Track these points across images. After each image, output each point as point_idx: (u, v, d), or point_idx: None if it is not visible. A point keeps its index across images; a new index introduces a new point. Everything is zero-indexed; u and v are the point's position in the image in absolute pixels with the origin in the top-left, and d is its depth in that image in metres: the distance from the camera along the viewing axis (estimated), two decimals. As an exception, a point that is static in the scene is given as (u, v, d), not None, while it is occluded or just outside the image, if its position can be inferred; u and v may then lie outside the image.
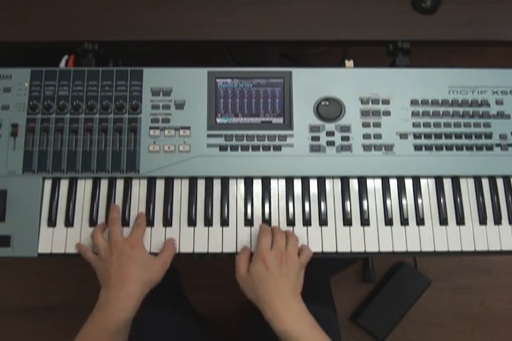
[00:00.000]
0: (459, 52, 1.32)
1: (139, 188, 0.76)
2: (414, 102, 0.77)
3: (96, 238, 0.70)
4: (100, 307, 0.66)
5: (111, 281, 0.67)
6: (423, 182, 0.77)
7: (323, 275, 1.02)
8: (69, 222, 0.74)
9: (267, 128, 0.77)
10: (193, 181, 0.76)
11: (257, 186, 0.76)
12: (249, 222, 0.74)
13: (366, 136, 0.76)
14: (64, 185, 0.75)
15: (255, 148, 0.76)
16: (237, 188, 0.76)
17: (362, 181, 0.76)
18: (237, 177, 0.76)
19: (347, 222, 0.74)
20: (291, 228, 0.74)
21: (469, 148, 0.76)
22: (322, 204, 0.75)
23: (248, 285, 0.68)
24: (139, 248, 0.69)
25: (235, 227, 0.74)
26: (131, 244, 0.69)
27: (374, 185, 0.76)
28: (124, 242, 0.69)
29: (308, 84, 0.78)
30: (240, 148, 0.76)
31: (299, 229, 0.74)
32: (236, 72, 0.78)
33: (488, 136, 0.77)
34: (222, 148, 0.75)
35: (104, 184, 0.76)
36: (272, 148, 0.76)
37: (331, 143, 0.76)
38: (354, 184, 0.76)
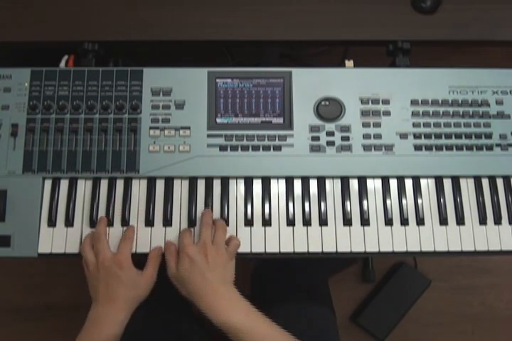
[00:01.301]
0: (459, 52, 1.32)
1: (139, 188, 0.76)
2: (414, 102, 0.77)
3: (84, 252, 0.70)
4: (90, 323, 0.67)
5: (99, 298, 0.68)
6: (423, 182, 0.77)
7: (322, 276, 1.02)
8: (69, 222, 0.74)
9: (267, 128, 0.77)
10: (193, 181, 0.76)
11: (257, 186, 0.76)
12: (249, 222, 0.74)
13: (366, 136, 0.76)
14: (64, 185, 0.75)
15: (255, 148, 0.76)
16: (237, 188, 0.76)
17: (362, 181, 0.76)
18: (237, 177, 0.76)
19: (347, 222, 0.74)
20: (291, 228, 0.74)
21: (469, 148, 0.76)
22: (322, 204, 0.75)
23: (179, 282, 0.68)
24: (127, 267, 0.68)
25: (235, 227, 0.74)
26: (119, 264, 0.68)
27: (374, 185, 0.76)
28: (111, 260, 0.68)
29: (308, 84, 0.78)
30: (240, 148, 0.76)
31: (298, 229, 0.74)
32: (236, 72, 0.78)
33: (488, 136, 0.77)
34: (222, 148, 0.75)
35: (104, 184, 0.76)
36: (271, 148, 0.76)
37: (331, 143, 0.76)
38: (354, 184, 0.76)
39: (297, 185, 0.76)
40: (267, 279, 0.95)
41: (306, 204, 0.75)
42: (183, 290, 0.68)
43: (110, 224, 0.73)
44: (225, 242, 0.71)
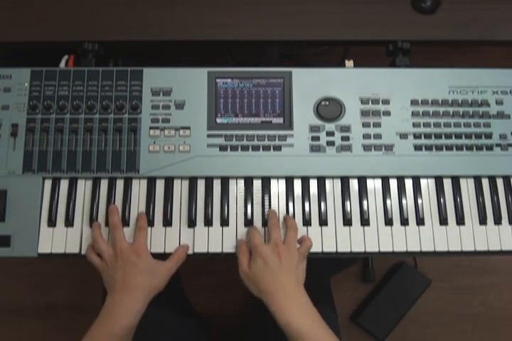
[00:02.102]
0: (459, 52, 1.32)
1: (139, 188, 0.76)
2: (414, 102, 0.77)
3: (99, 244, 0.70)
4: (105, 312, 0.67)
5: (116, 287, 0.67)
6: (423, 182, 0.77)
7: (323, 276, 1.02)
8: (69, 222, 0.74)
9: (267, 128, 0.77)
10: (193, 181, 0.76)
11: (257, 186, 0.76)
12: (249, 222, 0.74)
13: (366, 136, 0.76)
14: (64, 185, 0.75)
15: (255, 148, 0.76)
16: (237, 188, 0.76)
17: (362, 181, 0.76)
18: (237, 177, 0.76)
19: (347, 222, 0.74)
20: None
21: (469, 148, 0.76)
22: (322, 204, 0.75)
23: (250, 281, 0.68)
24: (145, 255, 0.69)
25: (235, 227, 0.74)
26: (137, 252, 0.69)
27: (374, 185, 0.76)
28: (129, 250, 0.69)
29: (308, 84, 0.78)
30: (240, 148, 0.76)
31: (299, 228, 0.74)
32: (236, 72, 0.78)
33: (488, 136, 0.77)
34: (222, 148, 0.75)
35: (104, 184, 0.76)
36: (271, 148, 0.76)
37: (331, 143, 0.76)
38: (354, 184, 0.76)
39: (297, 185, 0.76)
40: None
41: (306, 204, 0.75)
42: (254, 289, 0.68)
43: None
44: (296, 242, 0.71)
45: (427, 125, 0.77)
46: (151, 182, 0.76)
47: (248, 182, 0.76)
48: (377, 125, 0.77)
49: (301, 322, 0.64)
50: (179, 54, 1.02)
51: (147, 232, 0.72)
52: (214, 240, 0.73)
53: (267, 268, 0.67)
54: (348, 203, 0.75)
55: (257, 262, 0.67)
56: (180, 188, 0.76)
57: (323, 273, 1.03)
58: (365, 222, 0.74)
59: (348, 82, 0.78)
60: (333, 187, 0.76)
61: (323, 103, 0.77)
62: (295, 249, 0.69)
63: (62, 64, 0.80)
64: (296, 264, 0.69)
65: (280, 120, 0.77)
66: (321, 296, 0.91)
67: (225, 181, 0.76)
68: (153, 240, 0.73)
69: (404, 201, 0.76)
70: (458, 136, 0.77)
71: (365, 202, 0.75)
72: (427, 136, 0.77)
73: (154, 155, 0.75)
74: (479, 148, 0.76)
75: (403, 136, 0.76)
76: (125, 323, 0.65)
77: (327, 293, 0.95)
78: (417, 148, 0.76)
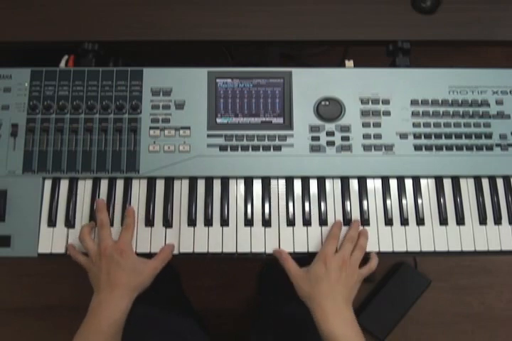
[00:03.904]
0: (459, 52, 1.32)
1: (139, 188, 0.76)
2: (414, 102, 0.77)
3: (85, 241, 0.70)
4: (92, 312, 0.67)
5: (101, 285, 0.67)
6: (423, 182, 0.77)
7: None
8: (69, 222, 0.74)
9: (267, 128, 0.77)
10: (193, 181, 0.76)
11: (257, 186, 0.76)
12: (249, 222, 0.74)
13: (366, 136, 0.76)
14: (64, 185, 0.75)
15: (255, 148, 0.76)
16: (237, 188, 0.76)
17: (362, 181, 0.76)
18: (237, 177, 0.76)
19: (347, 222, 0.74)
20: (291, 228, 0.74)
21: (469, 148, 0.76)
22: (322, 204, 0.75)
23: (304, 283, 0.69)
24: (128, 253, 0.69)
25: (235, 227, 0.74)
26: (120, 250, 0.68)
27: (374, 185, 0.76)
28: (113, 248, 0.69)
29: (308, 84, 0.78)
30: (240, 148, 0.76)
31: (298, 229, 0.74)
32: (236, 72, 0.78)
33: (488, 136, 0.77)
34: (222, 148, 0.75)
35: (104, 184, 0.76)
36: (271, 148, 0.76)
37: (331, 143, 0.76)
38: (354, 184, 0.76)
39: (297, 185, 0.76)
40: (274, 279, 0.95)
41: (306, 204, 0.75)
42: (304, 292, 0.68)
43: (110, 223, 0.73)
44: (360, 261, 0.71)
45: (427, 125, 0.77)
46: (151, 182, 0.76)
47: (248, 182, 0.76)
48: (377, 125, 0.77)
49: (344, 334, 0.64)
50: (179, 54, 1.02)
51: (133, 230, 0.72)
52: (214, 240, 0.73)
53: (326, 278, 0.67)
54: (348, 203, 0.75)
55: (319, 268, 0.68)
56: (180, 188, 0.76)
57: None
58: (365, 221, 0.74)
59: (348, 82, 0.78)
60: (333, 187, 0.76)
61: (323, 103, 0.77)
62: (357, 269, 0.70)
63: (62, 64, 0.80)
64: (354, 284, 0.70)
65: (280, 120, 0.77)
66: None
67: (225, 181, 0.76)
68: (153, 240, 0.73)
69: (404, 201, 0.76)
70: (458, 136, 0.77)
71: (365, 202, 0.75)
72: (427, 136, 0.77)
73: (154, 155, 0.75)
74: (479, 148, 0.76)
75: (403, 136, 0.76)
76: (112, 321, 0.66)
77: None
78: (417, 148, 0.76)
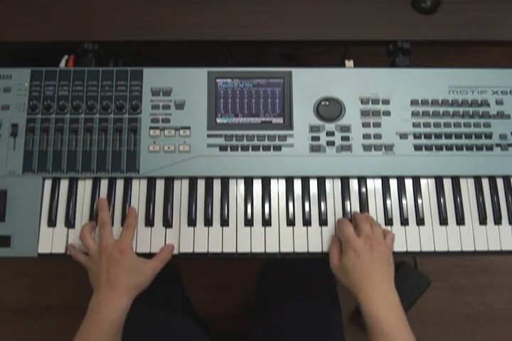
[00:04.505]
0: (459, 52, 1.32)
1: (139, 188, 0.76)
2: (414, 102, 0.77)
3: (85, 240, 0.70)
4: (92, 311, 0.67)
5: (101, 284, 0.67)
6: (423, 182, 0.77)
7: (329, 274, 1.02)
8: (69, 222, 0.74)
9: (267, 128, 0.77)
10: (193, 181, 0.76)
11: (257, 186, 0.76)
12: (249, 222, 0.74)
13: (366, 136, 0.76)
14: (64, 185, 0.75)
15: (255, 148, 0.76)
16: (237, 188, 0.76)
17: (362, 181, 0.76)
18: (237, 177, 0.76)
19: (347, 222, 0.74)
20: (291, 228, 0.74)
21: (469, 148, 0.76)
22: (322, 204, 0.75)
23: (342, 273, 0.69)
24: (128, 253, 0.69)
25: (235, 227, 0.74)
26: (120, 249, 0.68)
27: (374, 185, 0.76)
28: (113, 247, 0.68)
29: (308, 84, 0.78)
30: (240, 148, 0.76)
31: (298, 229, 0.74)
32: (236, 72, 0.78)
33: (488, 136, 0.77)
34: (222, 148, 0.75)
35: (104, 184, 0.76)
36: (271, 148, 0.76)
37: (331, 143, 0.76)
38: (354, 184, 0.76)
39: (297, 185, 0.76)
40: (275, 279, 0.95)
41: (306, 204, 0.75)
42: (345, 281, 0.69)
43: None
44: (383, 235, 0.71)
45: (427, 125, 0.77)
46: (151, 182, 0.76)
47: (248, 182, 0.76)
48: (377, 125, 0.77)
49: (386, 317, 0.64)
50: (179, 54, 1.02)
51: (135, 230, 0.72)
52: (214, 240, 0.73)
53: (359, 261, 0.67)
54: (348, 203, 0.75)
55: (349, 255, 0.68)
56: (180, 188, 0.76)
57: (330, 272, 1.03)
58: (365, 222, 0.74)
59: (348, 82, 0.78)
60: (333, 187, 0.76)
61: (323, 103, 0.77)
62: (384, 242, 0.70)
63: (62, 64, 0.80)
64: (388, 258, 0.69)
65: (280, 120, 0.77)
66: (326, 295, 0.91)
67: (225, 181, 0.76)
68: (153, 240, 0.73)
69: (404, 201, 0.76)
70: (458, 136, 0.77)
71: (365, 202, 0.75)
72: (427, 136, 0.77)
73: (154, 155, 0.75)
74: (479, 148, 0.76)
75: (403, 136, 0.76)
76: (112, 319, 0.65)
77: (333, 293, 0.95)
78: (417, 148, 0.76)
